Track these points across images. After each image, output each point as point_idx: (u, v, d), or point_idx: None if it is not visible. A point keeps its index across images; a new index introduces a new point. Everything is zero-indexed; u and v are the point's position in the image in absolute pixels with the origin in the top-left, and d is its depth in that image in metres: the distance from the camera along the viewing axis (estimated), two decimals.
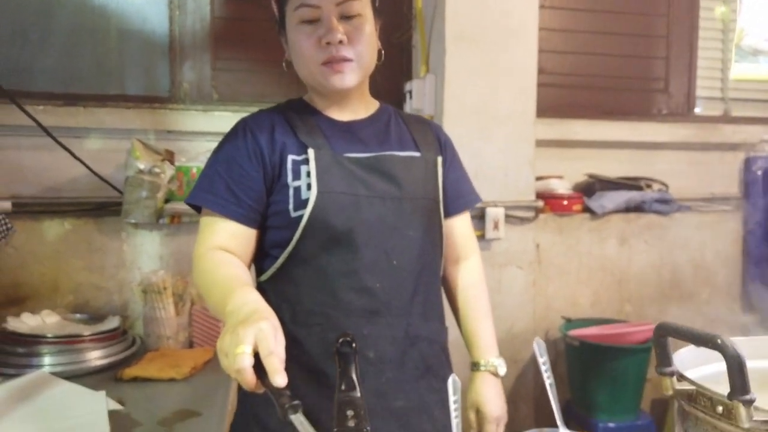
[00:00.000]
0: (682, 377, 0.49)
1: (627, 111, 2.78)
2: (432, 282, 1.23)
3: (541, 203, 2.38)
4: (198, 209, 1.17)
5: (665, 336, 0.48)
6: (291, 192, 1.12)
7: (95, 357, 1.64)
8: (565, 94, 2.70)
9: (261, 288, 1.22)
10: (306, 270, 1.13)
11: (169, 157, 2.05)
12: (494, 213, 2.25)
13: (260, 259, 1.20)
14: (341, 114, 1.22)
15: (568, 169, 2.63)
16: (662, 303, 2.64)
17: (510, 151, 2.28)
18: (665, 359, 0.49)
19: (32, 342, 1.62)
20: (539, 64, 2.31)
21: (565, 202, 2.49)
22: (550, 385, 0.83)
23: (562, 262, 2.52)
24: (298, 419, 0.70)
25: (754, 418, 0.41)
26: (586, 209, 2.54)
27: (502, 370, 1.27)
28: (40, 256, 1.97)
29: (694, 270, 2.70)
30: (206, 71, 2.30)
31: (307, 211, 1.10)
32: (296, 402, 0.71)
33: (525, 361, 2.35)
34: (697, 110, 2.91)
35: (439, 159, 1.25)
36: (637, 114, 2.79)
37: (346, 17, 1.12)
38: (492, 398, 1.25)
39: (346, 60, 1.12)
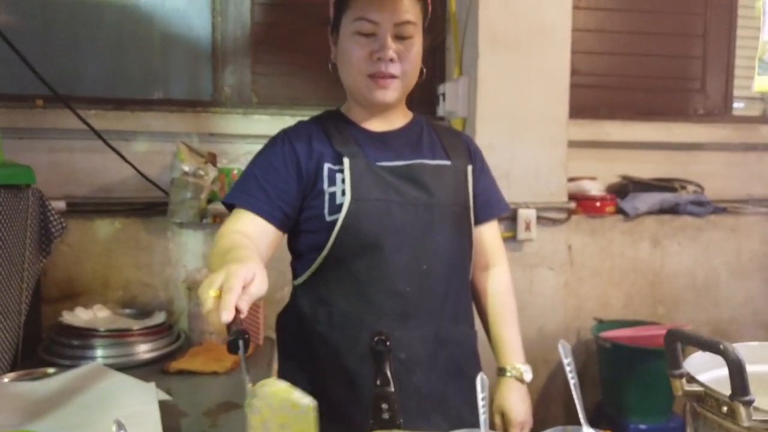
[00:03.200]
0: (692, 379, 0.54)
1: (662, 111, 2.77)
2: (462, 287, 1.28)
3: (573, 205, 2.39)
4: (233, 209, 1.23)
5: (675, 341, 0.52)
6: (326, 197, 1.18)
7: (143, 350, 1.74)
8: (598, 94, 2.70)
9: (297, 291, 1.29)
10: (340, 273, 1.19)
11: (212, 159, 2.14)
12: (526, 214, 2.28)
13: (296, 262, 1.27)
14: (376, 125, 1.28)
15: (602, 170, 2.63)
16: (696, 306, 2.63)
17: (542, 152, 2.30)
18: (675, 362, 0.53)
19: (86, 335, 1.72)
20: (573, 65, 2.33)
21: (598, 204, 2.49)
22: (575, 385, 0.87)
23: (594, 263, 2.53)
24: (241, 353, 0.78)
25: (754, 418, 0.45)
26: (619, 211, 2.54)
27: (528, 376, 1.32)
28: (92, 254, 2.09)
29: (729, 273, 2.67)
30: (246, 76, 2.38)
31: (341, 216, 1.15)
32: (236, 338, 0.78)
33: (556, 362, 2.37)
34: (736, 108, 2.87)
35: (470, 168, 1.30)
36: (672, 114, 2.77)
37: (399, 37, 1.18)
38: (517, 403, 1.30)
39: (393, 77, 1.18)
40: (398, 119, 1.30)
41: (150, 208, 2.12)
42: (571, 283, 2.46)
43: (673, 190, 2.60)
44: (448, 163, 1.27)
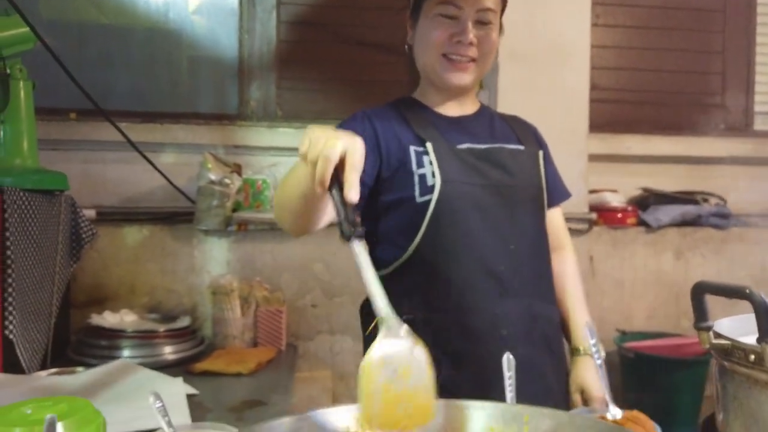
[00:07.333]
0: (718, 335, 0.55)
1: (683, 126, 2.77)
2: (546, 266, 1.31)
3: (594, 215, 2.40)
4: None
5: (702, 293, 0.54)
6: (416, 179, 1.20)
7: (168, 351, 1.77)
8: (618, 109, 2.72)
9: (386, 282, 1.27)
10: (437, 256, 1.19)
11: (237, 169, 2.19)
12: None
13: (382, 250, 1.25)
14: (450, 109, 1.31)
15: (623, 183, 2.64)
16: (721, 318, 2.59)
17: (562, 165, 2.27)
18: (702, 315, 0.54)
19: (114, 336, 1.76)
20: (592, 81, 2.36)
21: (620, 215, 2.49)
22: (600, 365, 0.88)
23: (616, 274, 2.52)
24: (359, 246, 0.70)
25: None
26: (641, 222, 2.54)
27: (602, 353, 1.32)
28: (120, 260, 2.13)
29: (754, 285, 2.63)
30: (271, 90, 2.44)
31: (434, 197, 1.17)
32: (362, 228, 0.71)
33: None
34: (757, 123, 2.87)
35: (540, 153, 1.34)
36: (693, 129, 2.78)
37: (479, 23, 1.23)
38: (595, 380, 1.28)
39: (471, 60, 1.23)
40: (470, 105, 1.34)
41: (176, 216, 2.17)
42: (593, 295, 2.44)
43: (695, 202, 2.59)
44: (522, 147, 1.31)
